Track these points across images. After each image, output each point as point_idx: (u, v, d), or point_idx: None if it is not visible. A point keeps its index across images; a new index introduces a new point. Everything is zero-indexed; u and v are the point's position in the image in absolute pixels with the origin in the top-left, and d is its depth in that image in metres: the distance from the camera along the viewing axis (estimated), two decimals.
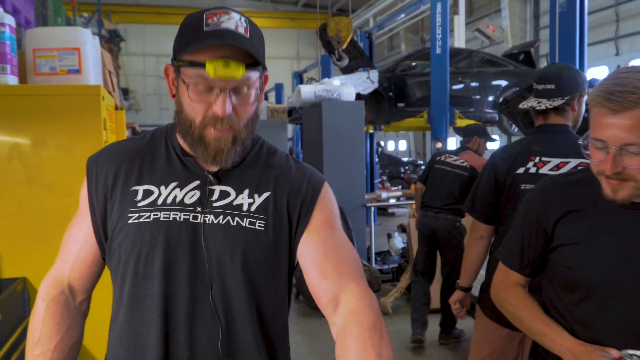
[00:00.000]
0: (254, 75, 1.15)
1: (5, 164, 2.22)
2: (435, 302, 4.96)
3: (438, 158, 4.70)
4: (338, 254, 1.20)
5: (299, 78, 14.21)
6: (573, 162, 2.14)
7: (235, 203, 1.19)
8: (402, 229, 7.09)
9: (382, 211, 12.66)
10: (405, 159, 17.86)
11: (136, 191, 1.19)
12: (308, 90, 6.15)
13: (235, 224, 1.17)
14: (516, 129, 7.89)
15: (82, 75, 2.45)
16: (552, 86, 2.27)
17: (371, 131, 10.56)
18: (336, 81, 6.65)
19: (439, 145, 7.62)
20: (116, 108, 2.88)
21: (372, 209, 6.95)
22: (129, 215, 1.17)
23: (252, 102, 1.17)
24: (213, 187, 1.20)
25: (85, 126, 2.28)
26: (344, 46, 7.42)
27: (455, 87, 8.95)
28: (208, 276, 1.15)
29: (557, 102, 2.21)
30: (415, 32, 19.54)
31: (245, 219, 1.18)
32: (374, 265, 6.59)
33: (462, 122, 8.37)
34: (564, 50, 5.85)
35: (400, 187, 10.00)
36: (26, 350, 1.21)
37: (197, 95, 1.13)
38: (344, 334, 1.10)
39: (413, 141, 22.05)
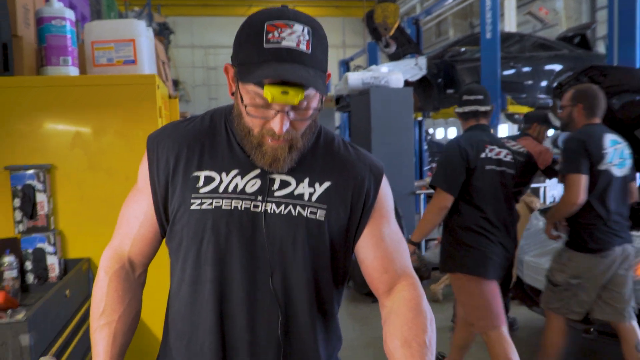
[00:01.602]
0: (315, 92, 1.14)
1: (68, 151, 2.34)
2: None
3: None
4: (395, 248, 1.29)
5: (345, 66, 14.17)
6: (504, 151, 3.13)
7: (296, 193, 1.21)
8: None
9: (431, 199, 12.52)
10: None
11: (198, 177, 1.21)
12: (356, 78, 6.15)
13: (296, 213, 1.20)
14: None
15: (137, 65, 2.55)
16: (482, 97, 3.19)
17: (420, 118, 10.47)
18: (384, 68, 6.63)
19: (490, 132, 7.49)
20: (169, 97, 2.97)
21: (422, 196, 6.90)
22: (192, 201, 1.20)
23: (310, 115, 1.17)
24: (273, 176, 1.21)
25: (141, 114, 2.37)
26: (391, 33, 7.37)
27: (506, 72, 8.77)
28: (269, 264, 1.19)
29: (488, 107, 3.20)
30: (463, 18, 19.17)
31: (306, 209, 1.21)
32: (423, 252, 6.56)
33: (513, 109, 8.21)
34: (624, 32, 5.59)
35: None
36: (91, 320, 1.26)
37: (256, 110, 1.13)
38: (395, 314, 1.21)
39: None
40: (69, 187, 2.34)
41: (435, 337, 1.19)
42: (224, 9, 20.50)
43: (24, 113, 2.31)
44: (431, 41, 20.73)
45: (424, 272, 5.88)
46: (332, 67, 17.19)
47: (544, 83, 8.89)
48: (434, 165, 11.06)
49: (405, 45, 8.73)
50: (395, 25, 7.39)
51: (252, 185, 1.20)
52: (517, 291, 4.15)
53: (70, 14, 2.43)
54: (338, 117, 14.50)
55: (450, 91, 8.68)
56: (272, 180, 1.21)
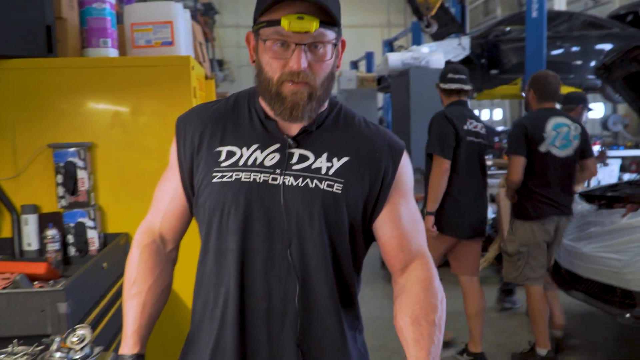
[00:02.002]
0: (329, 34, 1.19)
1: (107, 130, 2.43)
2: None
3: None
4: (412, 227, 1.32)
5: (389, 46, 14.03)
6: (480, 124, 3.60)
7: (314, 166, 1.25)
8: (492, 199, 6.94)
9: None
10: (499, 128, 17.30)
11: (220, 152, 1.27)
12: (395, 58, 6.12)
13: (313, 186, 1.23)
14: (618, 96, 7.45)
15: (174, 46, 2.61)
16: (465, 76, 3.62)
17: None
18: (424, 48, 6.56)
19: None
20: (206, 77, 3.04)
21: None
22: (213, 174, 1.26)
23: (328, 60, 1.21)
24: (292, 150, 1.25)
25: (177, 94, 2.44)
26: (433, 12, 7.26)
27: (553, 52, 8.53)
28: (287, 235, 1.23)
29: (470, 87, 3.65)
30: None
31: (323, 182, 1.24)
32: None
33: (561, 90, 8.00)
34: None
35: (491, 156, 9.72)
36: (123, 291, 1.33)
37: (275, 52, 1.18)
38: (407, 292, 1.25)
39: (509, 109, 21.26)
40: (108, 165, 2.44)
41: (444, 317, 1.22)
42: None
43: (67, 93, 2.41)
44: (478, 20, 20.27)
45: None
46: (376, 47, 17.04)
47: (593, 63, 8.62)
48: None
49: (449, 24, 8.59)
50: (437, 5, 7.29)
51: (271, 158, 1.25)
52: (554, 275, 4.11)
53: None
54: (381, 98, 14.42)
55: (494, 72, 8.52)
56: (291, 154, 1.25)
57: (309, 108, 1.21)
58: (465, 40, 8.15)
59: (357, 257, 1.33)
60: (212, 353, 1.27)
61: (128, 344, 1.27)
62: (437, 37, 8.70)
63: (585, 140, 3.58)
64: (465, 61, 8.19)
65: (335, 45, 1.22)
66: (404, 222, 1.31)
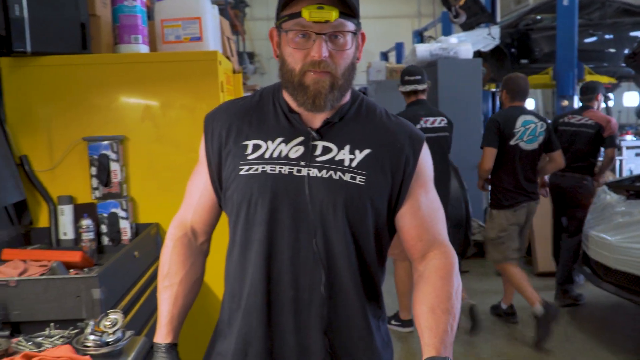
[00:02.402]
0: (349, 24, 1.23)
1: (139, 124, 2.52)
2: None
3: (561, 120, 4.82)
4: (432, 216, 1.35)
5: (419, 37, 13.93)
6: (439, 118, 3.92)
7: (337, 158, 1.29)
8: None
9: None
10: None
11: (246, 145, 1.31)
12: (423, 49, 6.09)
13: (337, 178, 1.27)
14: None
15: (203, 42, 2.68)
16: (419, 77, 3.96)
17: (493, 89, 10.20)
18: (453, 39, 6.52)
19: (565, 103, 7.25)
20: (234, 71, 3.10)
21: None
22: (240, 167, 1.30)
23: (348, 50, 1.25)
24: (316, 142, 1.30)
25: (205, 88, 2.51)
26: (461, 2, 7.21)
27: (586, 40, 8.39)
28: (312, 225, 1.27)
29: (425, 86, 3.97)
30: None
31: (346, 174, 1.28)
32: None
33: (591, 78, 7.87)
34: None
35: None
36: (157, 283, 1.39)
37: (296, 43, 1.23)
38: (425, 280, 1.29)
39: (541, 99, 20.90)
40: (139, 157, 2.53)
41: (459, 305, 1.26)
42: None
43: (100, 88, 2.50)
44: (510, 9, 19.93)
45: None
46: (407, 38, 16.93)
47: (627, 51, 8.44)
48: None
49: (478, 14, 8.50)
50: None
51: (296, 151, 1.29)
52: (582, 267, 4.08)
53: None
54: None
55: (524, 61, 8.42)
56: (315, 147, 1.29)
57: (331, 97, 1.25)
58: (495, 30, 8.06)
59: (381, 248, 1.36)
60: (240, 342, 1.32)
61: (162, 334, 1.33)
62: (466, 27, 8.61)
63: (549, 135, 4.02)
64: (495, 51, 8.11)
65: (354, 34, 1.26)
66: (422, 211, 1.34)
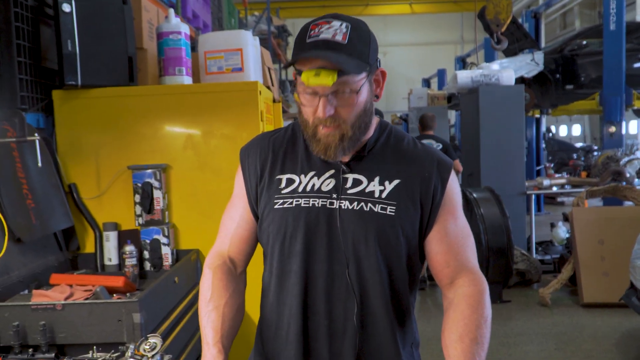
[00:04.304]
0: (354, 78, 1.24)
1: (181, 153, 2.59)
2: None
3: None
4: (460, 243, 1.36)
5: (461, 63, 13.89)
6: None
7: (367, 190, 1.32)
8: (565, 217, 6.75)
9: (550, 200, 12.00)
10: (578, 145, 16.69)
11: (280, 179, 1.36)
12: (465, 76, 6.09)
13: (368, 209, 1.30)
14: None
15: (244, 72, 2.76)
16: None
17: (537, 115, 10.06)
18: (495, 65, 6.49)
19: (613, 129, 7.11)
20: (274, 101, 3.17)
21: (532, 196, 6.67)
22: (275, 200, 1.35)
23: (357, 101, 1.27)
24: (346, 175, 1.33)
25: (245, 118, 2.57)
26: (503, 29, 7.17)
27: (637, 65, 8.22)
28: (344, 256, 1.30)
29: None
30: (591, 7, 18.02)
31: (377, 205, 1.31)
32: (534, 255, 6.36)
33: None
34: None
35: (565, 174, 9.42)
36: (200, 309, 1.38)
37: (306, 99, 1.28)
38: (454, 308, 1.30)
39: (588, 125, 20.46)
40: (181, 185, 2.60)
41: (488, 333, 1.26)
42: (341, 9, 20.74)
43: (145, 118, 2.59)
44: (555, 34, 19.71)
45: (534, 274, 5.74)
46: (448, 64, 16.89)
47: None
48: (547, 164, 10.62)
49: (522, 40, 8.44)
50: (508, 21, 7.18)
51: (328, 184, 1.33)
52: (628, 299, 3.95)
53: (185, 28, 2.69)
54: (454, 116, 14.25)
55: (569, 87, 8.28)
56: (345, 180, 1.33)
57: (341, 147, 1.29)
58: (539, 56, 7.98)
59: (412, 275, 1.38)
60: None
61: (212, 353, 1.30)
62: (509, 52, 8.55)
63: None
64: (539, 77, 8.02)
65: (365, 81, 1.27)
66: (450, 238, 1.35)
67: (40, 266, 2.26)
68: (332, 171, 1.34)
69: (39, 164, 2.13)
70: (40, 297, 1.96)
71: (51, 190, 2.39)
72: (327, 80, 1.21)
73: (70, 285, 2.13)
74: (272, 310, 1.38)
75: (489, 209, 5.26)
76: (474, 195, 5.40)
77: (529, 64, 7.93)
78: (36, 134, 2.14)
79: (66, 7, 2.27)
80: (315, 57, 1.21)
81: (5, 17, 2.14)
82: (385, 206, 1.31)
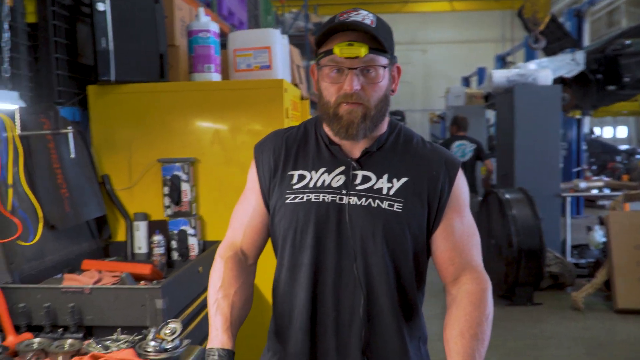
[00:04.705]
0: (380, 59, 1.31)
1: (209, 147, 2.68)
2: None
3: None
4: (465, 241, 1.39)
5: (501, 62, 13.69)
6: None
7: (375, 187, 1.36)
8: (601, 221, 6.61)
9: (590, 203, 11.73)
10: (622, 147, 16.23)
11: (292, 175, 1.41)
12: (500, 75, 6.03)
13: (375, 205, 1.34)
14: None
15: (272, 70, 2.83)
16: None
17: (578, 116, 9.85)
18: (532, 65, 6.40)
19: None
20: (302, 98, 3.23)
21: (569, 199, 6.55)
22: (286, 196, 1.39)
23: (380, 83, 1.32)
24: (356, 172, 1.38)
25: (271, 114, 2.64)
26: (541, 27, 7.05)
27: None
28: (353, 251, 1.34)
29: None
30: (638, 5, 17.50)
31: (384, 202, 1.35)
32: (569, 258, 6.25)
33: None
34: None
35: (603, 177, 9.18)
36: (209, 296, 1.41)
37: (331, 78, 1.32)
38: (456, 305, 1.33)
39: (634, 127, 19.86)
40: (208, 179, 2.69)
41: (489, 331, 1.29)
42: (380, 6, 20.66)
43: (175, 113, 2.69)
44: (600, 33, 19.19)
45: (568, 278, 5.65)
46: (489, 63, 16.67)
47: None
48: (584, 166, 10.38)
49: (562, 39, 8.26)
50: (546, 20, 7.05)
51: (337, 180, 1.38)
52: None
53: (214, 27, 2.77)
54: (492, 115, 14.05)
55: (611, 87, 8.07)
56: (355, 176, 1.37)
57: (363, 126, 1.33)
58: (580, 55, 7.80)
59: (419, 271, 1.41)
60: (287, 358, 1.40)
61: (221, 340, 1.31)
62: (550, 52, 8.40)
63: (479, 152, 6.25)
64: (579, 77, 7.84)
65: (387, 67, 1.34)
66: (456, 236, 1.39)
67: (73, 252, 2.38)
68: (342, 168, 1.38)
69: (72, 155, 2.24)
70: (70, 281, 2.07)
71: (85, 181, 2.51)
72: (359, 51, 1.27)
73: (100, 271, 2.23)
74: (283, 301, 1.42)
75: (521, 210, 5.20)
76: (507, 196, 5.36)
77: (569, 63, 7.76)
78: (70, 127, 2.25)
79: (101, 6, 2.38)
80: (349, 29, 1.29)
81: (43, 16, 2.26)
82: (393, 203, 1.34)
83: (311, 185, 1.38)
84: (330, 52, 1.30)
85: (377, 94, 1.33)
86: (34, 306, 1.85)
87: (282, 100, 2.62)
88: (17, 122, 2.03)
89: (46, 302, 1.84)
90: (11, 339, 1.75)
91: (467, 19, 19.65)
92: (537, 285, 5.26)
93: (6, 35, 1.97)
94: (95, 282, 2.09)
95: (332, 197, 1.36)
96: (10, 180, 1.96)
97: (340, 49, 1.27)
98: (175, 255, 2.63)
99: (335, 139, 1.40)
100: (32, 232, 2.05)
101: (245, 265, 1.46)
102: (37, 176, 2.16)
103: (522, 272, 5.05)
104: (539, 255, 5.07)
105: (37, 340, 1.73)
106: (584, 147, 11.03)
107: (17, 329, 1.80)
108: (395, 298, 1.36)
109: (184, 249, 2.63)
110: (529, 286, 5.16)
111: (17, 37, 2.10)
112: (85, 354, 1.65)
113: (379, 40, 1.29)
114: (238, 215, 1.51)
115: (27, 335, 1.78)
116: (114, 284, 2.10)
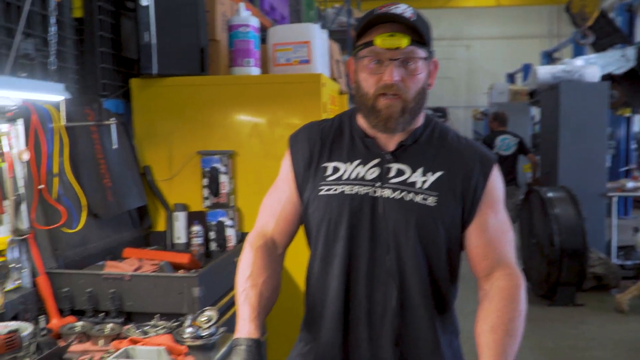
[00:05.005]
0: (420, 51, 1.32)
1: (247, 140, 2.72)
2: None
3: None
4: (499, 237, 1.38)
5: (548, 58, 13.36)
6: None
7: (409, 180, 1.36)
8: None
9: (638, 204, 11.36)
10: None
11: (326, 167, 1.42)
12: (545, 72, 5.90)
13: (409, 199, 1.34)
14: None
15: (311, 64, 2.84)
16: None
17: (627, 114, 9.53)
18: (578, 61, 6.24)
19: None
20: (340, 92, 3.23)
21: (616, 199, 6.35)
22: (320, 187, 1.40)
23: (419, 75, 1.32)
24: (390, 165, 1.38)
25: (308, 108, 2.65)
26: (590, 23, 6.85)
27: None
28: (385, 242, 1.35)
29: None
30: None
31: (418, 195, 1.35)
32: (614, 259, 6.08)
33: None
34: None
35: None
36: (237, 284, 1.40)
37: (370, 69, 1.33)
38: (489, 300, 1.31)
39: None
40: (246, 171, 2.73)
41: (521, 327, 1.27)
42: (424, 1, 20.46)
43: (215, 107, 2.73)
44: None
45: (612, 279, 5.51)
46: (535, 59, 16.31)
47: None
48: (633, 165, 10.06)
49: (612, 35, 8.01)
50: (594, 15, 6.84)
51: (372, 173, 1.38)
52: None
53: (254, 22, 2.81)
54: (537, 112, 13.74)
55: None
56: (389, 169, 1.38)
57: (402, 120, 1.34)
58: (631, 51, 7.55)
59: (452, 265, 1.41)
60: (319, 348, 1.42)
61: (249, 329, 1.30)
62: (599, 48, 8.16)
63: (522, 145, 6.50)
64: (629, 74, 7.59)
65: (426, 60, 1.34)
66: (489, 232, 1.37)
67: (115, 240, 2.45)
68: (377, 160, 1.39)
69: (115, 146, 2.30)
70: (111, 268, 2.14)
71: (127, 172, 2.58)
72: (400, 42, 1.28)
73: (141, 260, 2.29)
74: (315, 291, 1.44)
75: (564, 209, 5.09)
76: (548, 194, 5.25)
77: (618, 60, 7.53)
78: (113, 119, 2.31)
79: (144, 1, 2.45)
80: (390, 21, 1.29)
81: (89, 10, 2.33)
82: (427, 197, 1.34)
83: (345, 177, 1.39)
84: (370, 43, 1.31)
85: (416, 86, 1.33)
86: (77, 291, 1.92)
87: (320, 94, 2.64)
88: (63, 113, 2.10)
89: (88, 287, 1.91)
90: (55, 322, 1.83)
91: (513, 14, 19.22)
92: (579, 285, 5.14)
93: (53, 29, 2.04)
94: (135, 270, 2.16)
95: (366, 189, 1.37)
96: (56, 169, 2.04)
97: (382, 40, 1.28)
98: (213, 245, 2.68)
99: (371, 132, 1.40)
100: (76, 220, 2.12)
101: (275, 254, 1.46)
102: (82, 166, 2.23)
103: (564, 272, 4.95)
104: (581, 255, 4.95)
105: (79, 323, 1.80)
106: (633, 146, 10.69)
107: (61, 313, 1.87)
108: (427, 290, 1.36)
109: (221, 239, 2.67)
110: (571, 286, 5.04)
111: (64, 31, 2.18)
112: (125, 338, 1.71)
113: (419, 33, 1.30)
114: (269, 204, 1.52)
115: (70, 318, 1.86)
116: (153, 272, 2.16)
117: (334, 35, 5.91)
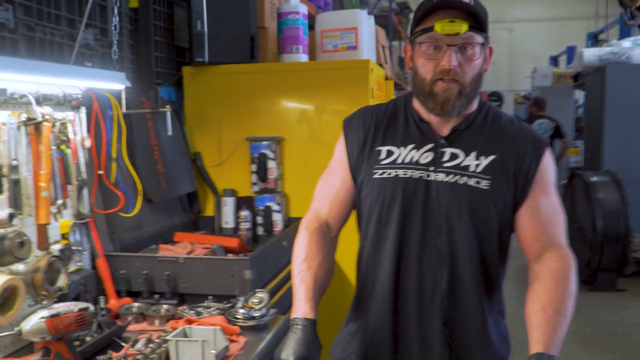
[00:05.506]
0: (478, 37, 1.33)
1: (295, 126, 2.76)
2: None
3: None
4: (550, 219, 1.39)
5: (593, 39, 12.99)
6: None
7: (463, 164, 1.39)
8: None
9: None
10: None
11: (380, 151, 1.45)
12: (592, 54, 5.76)
13: (462, 183, 1.37)
14: None
15: (358, 50, 2.86)
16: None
17: None
18: (626, 42, 6.06)
19: None
20: (386, 78, 3.24)
21: None
22: (374, 170, 1.44)
23: (476, 60, 1.34)
24: (444, 149, 1.40)
25: (356, 94, 2.67)
26: (638, 3, 6.63)
27: None
28: (437, 226, 1.38)
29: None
30: None
31: (472, 179, 1.37)
32: None
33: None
34: None
35: None
36: (293, 267, 1.44)
37: (428, 55, 1.35)
38: (539, 281, 1.33)
39: None
40: (294, 157, 2.77)
41: (572, 308, 1.27)
42: None
43: (264, 93, 2.77)
44: None
45: None
46: (580, 41, 15.87)
47: None
48: None
49: None
50: None
51: (426, 157, 1.41)
52: None
53: (303, 9, 2.83)
54: (582, 95, 13.41)
55: None
56: (443, 153, 1.40)
57: (458, 103, 1.36)
58: None
59: (502, 247, 1.43)
60: (369, 327, 1.46)
61: (304, 310, 1.32)
62: None
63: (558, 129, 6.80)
64: None
65: (483, 46, 1.35)
66: (541, 214, 1.39)
67: (167, 225, 2.53)
68: (430, 144, 1.41)
69: (169, 133, 2.37)
70: (166, 251, 2.21)
71: (179, 158, 2.65)
72: (460, 27, 1.30)
73: (192, 243, 2.37)
74: (366, 272, 1.47)
75: (608, 193, 5.00)
76: (593, 179, 5.16)
77: None
78: (168, 106, 2.38)
79: None
80: (449, 7, 1.31)
81: (144, 1, 2.39)
82: (480, 180, 1.36)
83: (399, 161, 1.42)
84: (429, 29, 1.33)
85: (473, 72, 1.35)
86: (133, 273, 1.99)
87: (367, 80, 2.65)
88: (123, 102, 2.17)
89: (144, 269, 1.98)
90: (113, 303, 1.91)
91: None
92: (621, 271, 5.07)
93: (115, 19, 2.11)
94: (188, 253, 2.23)
95: (420, 173, 1.39)
96: (114, 155, 2.11)
97: (442, 26, 1.30)
98: (260, 230, 2.74)
99: (426, 117, 1.42)
100: (132, 205, 2.19)
101: (329, 237, 1.49)
102: (137, 152, 2.30)
103: (605, 258, 4.88)
104: (624, 240, 4.87)
105: (136, 304, 1.88)
106: None
107: (118, 294, 1.95)
108: (477, 272, 1.39)
109: (268, 224, 2.73)
110: (611, 272, 4.97)
111: (122, 21, 2.24)
112: (180, 318, 1.78)
113: (478, 19, 1.31)
114: (324, 188, 1.55)
115: (127, 299, 1.94)
116: (205, 255, 2.22)
117: (376, 20, 5.88)
